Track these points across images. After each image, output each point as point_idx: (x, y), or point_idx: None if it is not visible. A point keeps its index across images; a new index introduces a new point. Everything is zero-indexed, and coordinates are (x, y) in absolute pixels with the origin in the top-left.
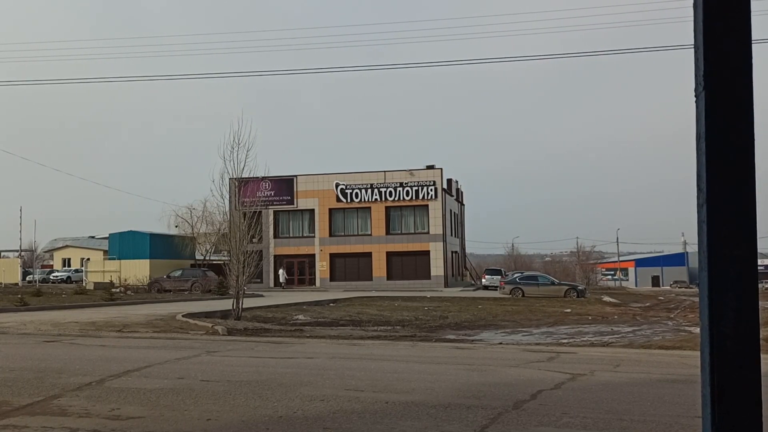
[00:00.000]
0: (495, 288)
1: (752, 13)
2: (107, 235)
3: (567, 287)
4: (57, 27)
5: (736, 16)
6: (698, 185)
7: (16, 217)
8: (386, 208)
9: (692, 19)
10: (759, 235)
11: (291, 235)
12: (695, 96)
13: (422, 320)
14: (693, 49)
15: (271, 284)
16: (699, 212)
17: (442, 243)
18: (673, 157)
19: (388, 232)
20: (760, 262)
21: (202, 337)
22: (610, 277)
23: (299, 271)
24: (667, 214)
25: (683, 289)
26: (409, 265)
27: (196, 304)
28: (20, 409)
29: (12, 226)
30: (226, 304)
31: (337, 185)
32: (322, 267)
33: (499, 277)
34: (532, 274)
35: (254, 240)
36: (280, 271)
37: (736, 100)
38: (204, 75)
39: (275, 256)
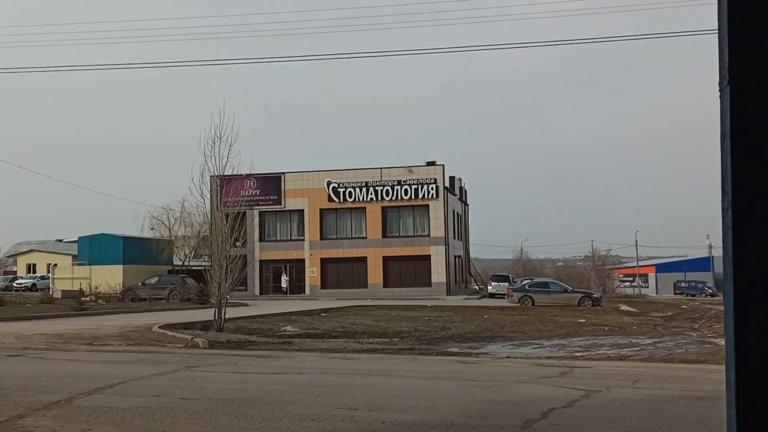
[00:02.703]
0: (502, 296)
1: None
2: (76, 239)
3: (581, 295)
4: (23, 13)
5: (763, 3)
6: (723, 188)
7: None
8: (383, 208)
9: (716, 5)
10: None
11: (278, 239)
12: (719, 91)
13: (422, 331)
14: (717, 40)
15: (257, 292)
16: (724, 217)
17: (444, 247)
18: (699, 154)
19: (384, 235)
20: None
21: (180, 351)
22: (628, 283)
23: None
24: (691, 214)
25: (688, 297)
26: (407, 271)
27: (174, 314)
28: None
29: None
30: (207, 314)
31: (328, 183)
32: (312, 273)
33: (507, 284)
34: (542, 280)
35: (238, 244)
36: (283, 277)
37: (764, 94)
38: (182, 63)
39: (261, 261)
